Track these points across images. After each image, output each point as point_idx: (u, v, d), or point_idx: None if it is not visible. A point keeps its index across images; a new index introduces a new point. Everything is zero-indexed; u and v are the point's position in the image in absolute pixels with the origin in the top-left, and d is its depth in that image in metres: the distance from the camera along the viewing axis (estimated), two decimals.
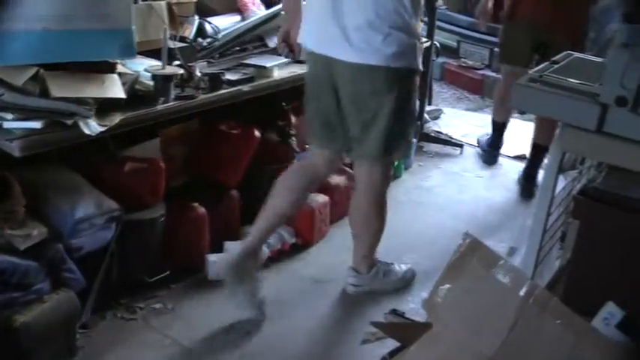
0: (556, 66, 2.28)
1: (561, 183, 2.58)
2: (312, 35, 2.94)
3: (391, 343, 2.15)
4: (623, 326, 1.92)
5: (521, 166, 4.98)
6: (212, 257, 3.43)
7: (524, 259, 2.32)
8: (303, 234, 3.79)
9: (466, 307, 1.74)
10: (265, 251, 3.57)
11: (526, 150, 5.08)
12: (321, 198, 3.86)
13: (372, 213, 3.23)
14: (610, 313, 1.93)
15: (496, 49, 6.60)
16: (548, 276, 2.64)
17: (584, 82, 2.09)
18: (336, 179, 4.04)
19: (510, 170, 5.09)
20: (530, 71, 2.20)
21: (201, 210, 3.41)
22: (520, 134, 5.44)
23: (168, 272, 3.32)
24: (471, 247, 1.81)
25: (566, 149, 2.20)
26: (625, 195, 2.17)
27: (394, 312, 2.32)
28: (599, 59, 2.42)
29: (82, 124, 2.69)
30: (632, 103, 1.92)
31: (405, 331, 2.02)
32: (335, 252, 3.80)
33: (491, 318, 1.66)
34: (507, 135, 5.22)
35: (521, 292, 1.65)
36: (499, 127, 5.12)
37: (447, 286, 1.79)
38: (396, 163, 4.62)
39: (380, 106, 2.82)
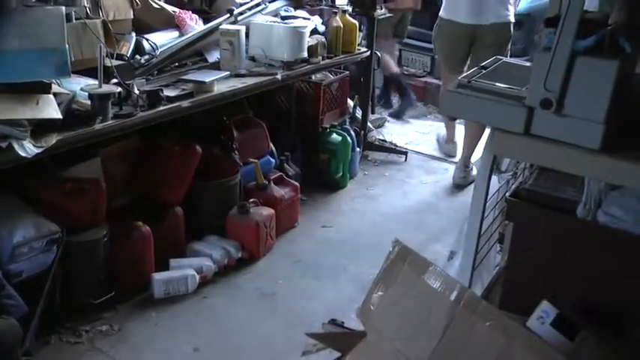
0: (485, 71, 2.33)
1: (496, 186, 2.64)
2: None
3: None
4: (558, 324, 1.96)
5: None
6: (158, 276, 3.41)
7: (462, 263, 2.35)
8: (249, 248, 3.78)
9: (398, 314, 1.76)
10: (212, 267, 3.56)
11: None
12: (266, 211, 3.86)
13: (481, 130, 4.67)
14: (545, 311, 1.97)
15: (437, 57, 6.74)
16: (488, 278, 2.69)
17: (511, 87, 2.13)
18: (281, 192, 4.05)
19: None
20: (459, 77, 2.23)
21: (145, 228, 3.39)
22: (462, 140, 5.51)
23: (113, 293, 3.29)
24: (401, 254, 1.83)
25: (497, 152, 2.24)
26: (555, 195, 2.22)
27: (333, 322, 2.33)
28: (526, 64, 2.47)
29: (16, 146, 2.65)
30: (556, 105, 1.97)
31: (342, 340, 2.03)
32: (282, 264, 3.81)
33: (424, 323, 1.69)
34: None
35: (452, 297, 1.67)
36: None
37: (380, 293, 1.81)
38: (340, 174, 4.68)
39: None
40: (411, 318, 1.73)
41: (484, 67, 2.40)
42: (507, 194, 2.32)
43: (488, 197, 2.32)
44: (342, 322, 2.34)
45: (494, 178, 2.49)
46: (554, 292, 2.07)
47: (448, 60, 5.05)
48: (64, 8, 2.90)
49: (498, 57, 2.61)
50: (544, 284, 2.18)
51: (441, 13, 4.94)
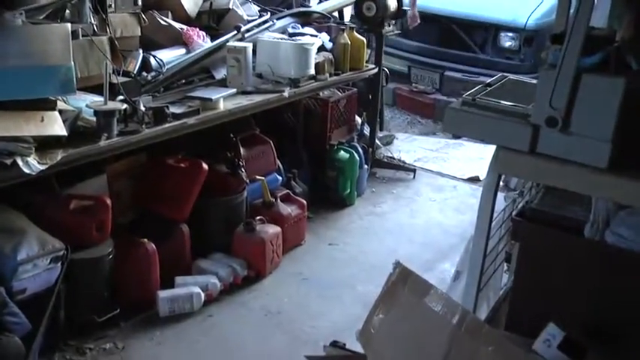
0: (489, 88, 2.30)
1: (502, 204, 2.61)
2: None
3: None
4: (565, 347, 1.92)
5: (474, 188, 5.03)
6: (163, 294, 3.39)
7: (467, 284, 2.32)
8: (256, 266, 3.76)
9: (399, 337, 1.73)
10: (217, 285, 3.53)
11: (479, 172, 5.14)
12: (273, 229, 3.84)
13: None
14: (551, 334, 1.93)
15: (447, 73, 6.73)
16: (494, 298, 2.66)
17: (516, 104, 2.11)
18: (287, 209, 4.03)
19: (463, 193, 5.13)
20: (464, 94, 2.21)
21: (151, 246, 3.37)
22: (471, 157, 5.50)
23: (117, 310, 3.26)
24: (402, 277, 1.80)
25: (502, 171, 2.21)
26: (562, 214, 2.19)
27: (334, 344, 2.29)
28: (532, 81, 2.45)
29: (21, 163, 2.66)
30: (561, 123, 1.95)
31: None
32: (288, 282, 3.78)
33: (425, 347, 1.65)
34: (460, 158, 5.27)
35: (454, 320, 1.63)
36: None
37: (380, 316, 1.77)
38: (347, 191, 4.66)
39: None
40: (412, 342, 1.69)
41: (489, 85, 2.38)
42: (513, 214, 2.29)
43: (494, 216, 2.29)
44: (344, 344, 2.30)
45: (500, 197, 2.46)
46: (561, 314, 2.03)
47: None
48: (70, 25, 2.91)
49: (504, 74, 2.59)
50: (551, 305, 2.14)
51: None
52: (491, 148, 2.21)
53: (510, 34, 6.66)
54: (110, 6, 3.58)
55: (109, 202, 3.20)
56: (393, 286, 1.80)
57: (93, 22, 3.29)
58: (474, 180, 5.29)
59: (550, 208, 2.23)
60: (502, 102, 2.15)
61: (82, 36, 3.21)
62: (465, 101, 2.16)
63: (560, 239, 2.14)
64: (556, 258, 2.14)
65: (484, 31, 6.80)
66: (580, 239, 2.16)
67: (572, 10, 2.06)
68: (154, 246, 3.37)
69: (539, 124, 2.00)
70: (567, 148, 1.98)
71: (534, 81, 2.46)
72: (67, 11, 3.17)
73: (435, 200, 5.03)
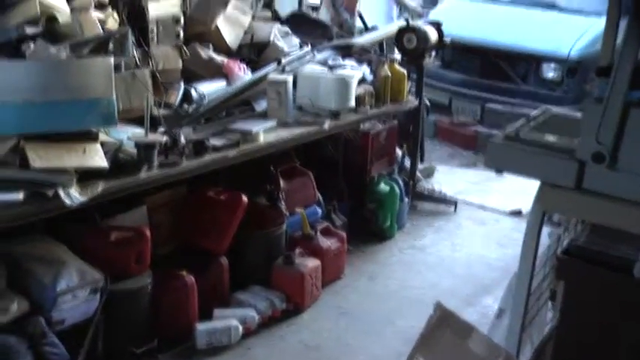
0: (532, 123, 2.26)
1: (546, 241, 2.54)
2: None
3: None
4: None
5: (516, 221, 4.94)
6: (200, 326, 3.37)
7: (511, 322, 2.25)
8: (294, 299, 3.72)
9: None
10: (255, 317, 3.50)
11: (521, 205, 5.05)
12: (312, 262, 3.80)
13: None
14: None
15: (488, 105, 6.67)
16: (538, 337, 2.58)
17: (561, 139, 2.06)
18: (327, 242, 3.99)
19: (505, 226, 5.04)
20: (507, 128, 2.17)
21: (189, 278, 3.36)
22: (514, 190, 5.40)
23: (156, 342, 3.24)
24: (443, 318, 1.75)
25: (547, 209, 2.15)
26: (609, 253, 2.12)
27: None
28: (576, 114, 2.40)
29: (62, 195, 2.68)
30: (609, 159, 1.89)
31: None
32: (327, 316, 3.74)
33: None
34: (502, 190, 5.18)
35: None
36: None
37: (421, 359, 1.72)
38: (387, 224, 4.61)
39: None
40: None
41: (532, 118, 2.33)
42: (559, 251, 2.22)
43: (538, 253, 2.23)
44: None
45: (544, 232, 2.39)
46: (609, 355, 1.96)
47: None
48: (112, 59, 2.95)
49: (547, 107, 2.53)
50: (598, 346, 2.06)
51: None
52: (534, 182, 2.15)
53: (553, 65, 6.57)
54: (152, 39, 3.64)
55: (148, 233, 3.21)
56: (433, 328, 1.76)
57: (135, 55, 3.34)
58: (516, 213, 5.20)
59: (597, 245, 2.15)
60: (546, 136, 2.10)
61: (125, 69, 3.25)
62: (508, 136, 2.11)
63: (609, 278, 2.07)
64: (604, 298, 2.08)
65: (526, 62, 6.72)
66: (629, 278, 2.08)
67: (618, 41, 2.01)
68: (192, 278, 3.36)
69: (585, 160, 1.94)
70: (615, 185, 1.92)
71: (578, 114, 2.42)
72: (111, 45, 3.23)
73: (477, 234, 4.95)
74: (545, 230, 2.45)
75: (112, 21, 3.48)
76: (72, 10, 3.30)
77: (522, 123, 2.24)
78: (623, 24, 2.05)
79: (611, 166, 1.90)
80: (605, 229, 2.19)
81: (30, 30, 3.04)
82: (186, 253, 3.55)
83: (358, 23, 5.64)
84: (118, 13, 3.53)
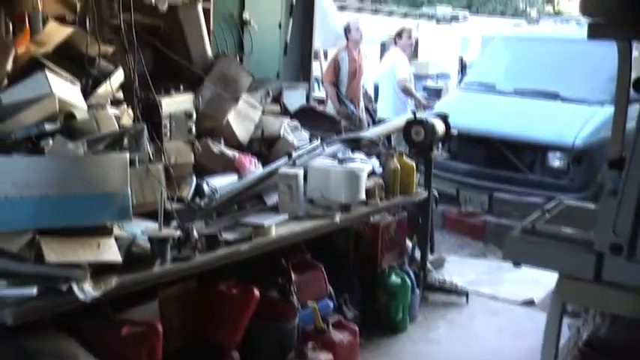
0: (548, 215, 2.27)
1: (565, 333, 2.50)
2: None
3: None
4: None
5: (529, 311, 4.87)
6: None
7: None
8: None
9: None
10: None
11: (534, 295, 4.99)
12: (325, 356, 3.73)
13: None
14: None
15: (496, 194, 6.69)
16: None
17: (577, 231, 2.06)
18: (339, 336, 3.93)
19: (518, 317, 4.97)
20: (523, 222, 2.18)
21: None
22: (525, 279, 5.36)
23: None
24: None
25: (566, 300, 2.14)
26: (632, 346, 2.09)
27: None
28: (590, 206, 2.41)
29: (76, 289, 2.66)
30: (627, 250, 1.89)
31: None
32: None
33: None
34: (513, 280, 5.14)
35: None
36: None
37: None
38: (400, 316, 4.56)
39: None
40: None
41: (547, 211, 2.34)
42: (580, 343, 2.19)
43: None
44: None
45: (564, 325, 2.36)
46: None
47: None
48: (128, 155, 2.99)
49: (560, 199, 2.55)
50: None
51: None
52: (546, 272, 2.14)
53: (558, 154, 6.63)
54: (165, 134, 3.71)
55: (160, 328, 3.17)
56: None
57: (149, 149, 3.38)
58: (528, 303, 5.14)
59: (619, 337, 2.13)
60: (562, 229, 2.10)
61: (139, 163, 3.29)
62: (525, 229, 2.12)
63: None
64: None
65: (532, 151, 6.79)
66: None
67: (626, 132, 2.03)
68: None
69: (604, 252, 1.94)
70: (635, 275, 1.91)
71: (591, 205, 2.43)
72: (125, 140, 3.28)
73: (490, 325, 4.88)
74: (565, 322, 2.42)
75: (127, 117, 3.56)
76: (89, 106, 3.37)
77: (538, 215, 2.25)
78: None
79: (629, 257, 1.90)
80: (627, 319, 2.17)
81: (49, 127, 3.09)
82: (198, 347, 3.49)
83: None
84: (132, 109, 3.61)
